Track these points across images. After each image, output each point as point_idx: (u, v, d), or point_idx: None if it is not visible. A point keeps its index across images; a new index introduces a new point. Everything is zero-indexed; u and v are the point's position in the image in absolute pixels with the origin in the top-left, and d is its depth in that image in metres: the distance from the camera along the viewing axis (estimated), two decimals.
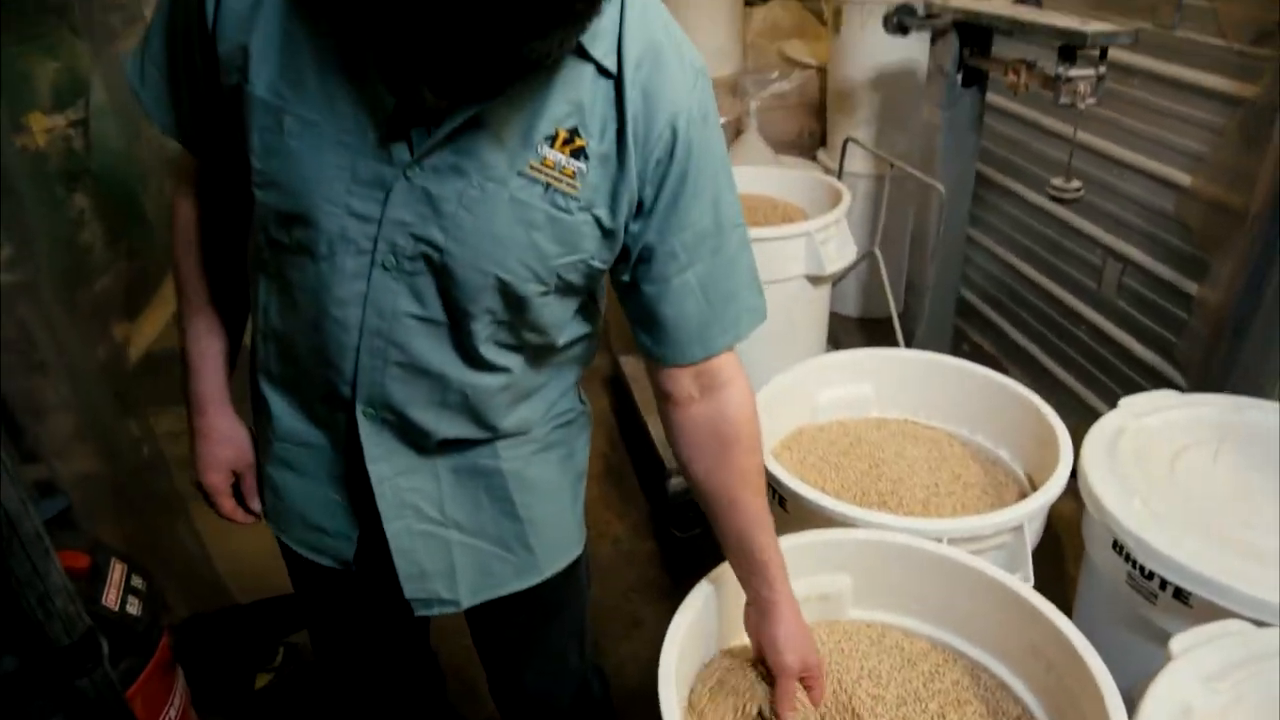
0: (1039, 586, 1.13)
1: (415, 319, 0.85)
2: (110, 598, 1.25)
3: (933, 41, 2.07)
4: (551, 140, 0.79)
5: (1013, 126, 2.51)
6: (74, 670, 1.05)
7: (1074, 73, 1.67)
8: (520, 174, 0.79)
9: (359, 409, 0.91)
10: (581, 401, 1.09)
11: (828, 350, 2.31)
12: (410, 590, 1.00)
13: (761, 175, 2.41)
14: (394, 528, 0.96)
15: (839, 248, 2.05)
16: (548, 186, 0.80)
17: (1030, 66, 1.79)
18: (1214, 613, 1.09)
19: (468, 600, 1.03)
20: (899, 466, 1.52)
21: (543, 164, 0.79)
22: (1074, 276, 2.39)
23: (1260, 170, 1.72)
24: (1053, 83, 1.69)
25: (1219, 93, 1.84)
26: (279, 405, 0.98)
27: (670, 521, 2.15)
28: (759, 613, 1.01)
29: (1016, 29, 1.81)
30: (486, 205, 0.79)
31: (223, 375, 1.04)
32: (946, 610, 1.17)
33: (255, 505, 1.08)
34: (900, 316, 2.35)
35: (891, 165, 2.32)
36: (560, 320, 0.92)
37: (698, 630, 1.08)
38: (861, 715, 1.04)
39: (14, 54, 1.78)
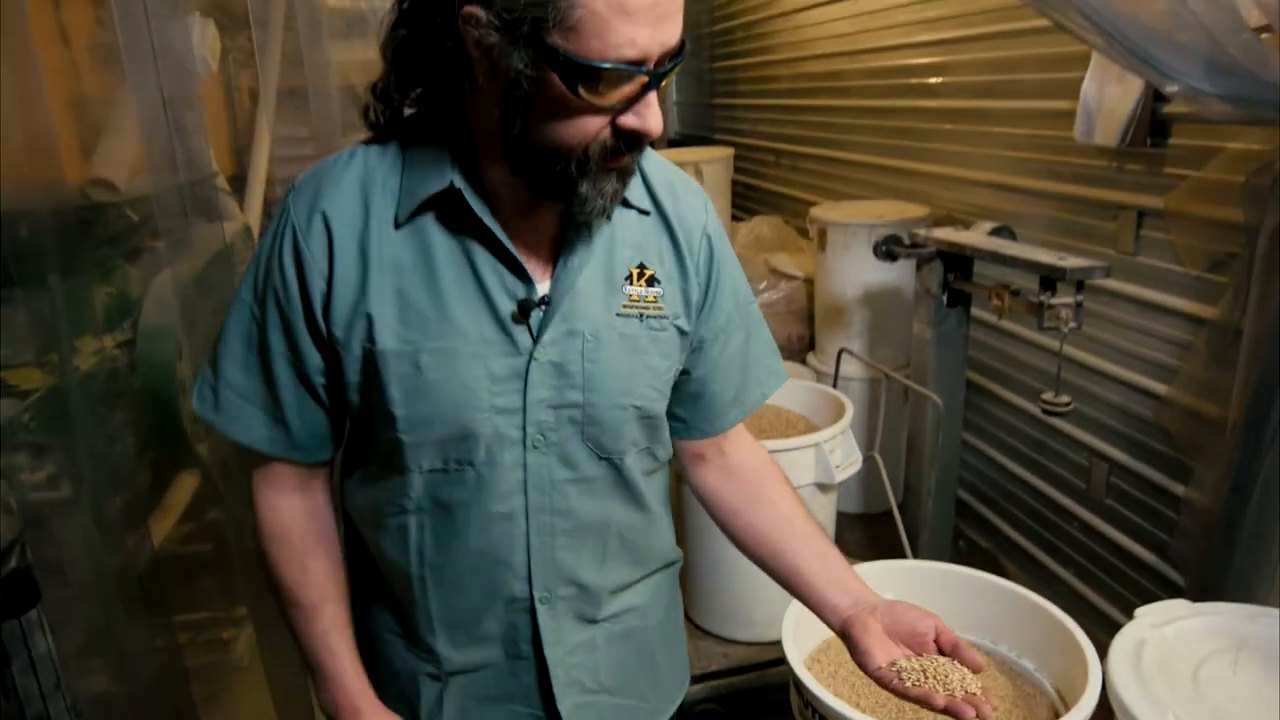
0: None
1: (571, 483, 0.95)
2: None
3: (918, 268, 2.27)
4: (629, 279, 0.95)
5: (998, 338, 2.70)
6: None
7: (1055, 301, 1.85)
8: (618, 315, 0.94)
9: (536, 596, 0.96)
10: None
11: None
12: None
13: None
14: (565, 706, 1.02)
15: (845, 456, 2.15)
16: (641, 316, 0.95)
17: (1014, 294, 1.97)
18: None
19: None
20: None
21: (630, 300, 0.95)
22: (1064, 477, 2.51)
23: (1233, 384, 1.88)
24: (1037, 309, 1.87)
25: (1184, 312, 2.02)
26: (445, 646, 1.00)
27: None
28: (861, 607, 0.98)
29: (997, 260, 2.00)
30: (605, 351, 0.93)
31: (362, 671, 1.01)
32: None
33: None
34: (900, 514, 2.43)
35: (887, 376, 2.47)
36: (667, 430, 1.06)
37: None
38: None
39: (75, 284, 1.90)
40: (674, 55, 0.78)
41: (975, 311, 2.41)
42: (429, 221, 0.88)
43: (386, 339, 0.88)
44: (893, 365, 2.73)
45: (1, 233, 1.53)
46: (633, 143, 0.82)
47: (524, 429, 0.91)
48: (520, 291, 0.90)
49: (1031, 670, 1.61)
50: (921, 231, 2.25)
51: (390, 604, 1.03)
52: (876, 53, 3.35)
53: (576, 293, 0.91)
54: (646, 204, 0.97)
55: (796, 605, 1.48)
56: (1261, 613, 1.51)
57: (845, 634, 0.98)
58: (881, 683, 0.92)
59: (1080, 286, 1.83)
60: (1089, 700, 1.35)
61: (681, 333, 1.00)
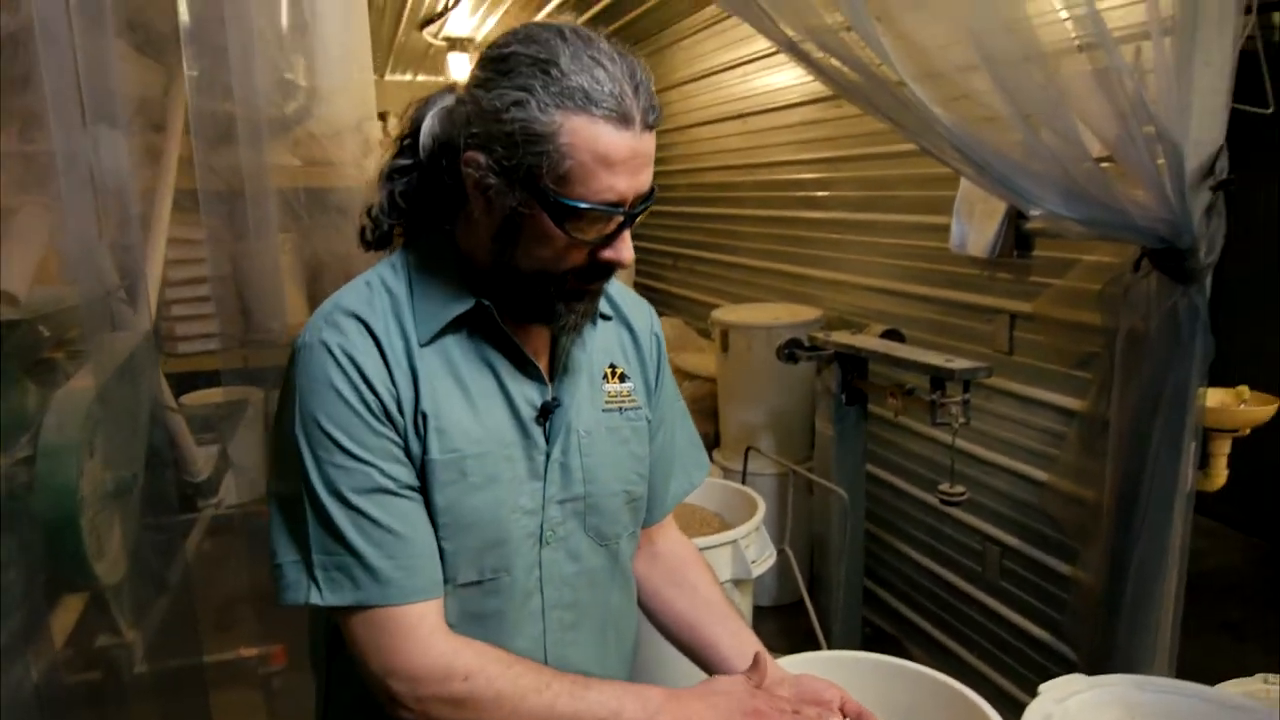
0: None
1: (578, 575, 1.00)
2: None
3: (818, 370, 2.43)
4: (606, 378, 1.06)
5: (895, 433, 2.87)
6: None
7: (945, 399, 2.01)
8: (603, 410, 1.04)
9: None
10: None
11: None
12: None
13: None
14: None
15: (760, 551, 2.23)
16: (621, 409, 1.06)
17: (908, 393, 2.13)
18: None
19: None
20: None
21: (610, 397, 1.05)
22: (960, 562, 2.66)
23: (1104, 470, 2.06)
24: (929, 407, 2.02)
25: (1058, 406, 2.23)
26: None
27: None
28: (769, 681, 1.02)
29: (891, 362, 2.17)
30: (597, 444, 1.02)
31: None
32: None
33: None
34: (812, 604, 2.52)
35: (793, 471, 2.59)
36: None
37: None
38: None
39: None
40: (645, 197, 0.89)
41: (873, 408, 2.58)
42: (448, 339, 0.95)
43: (434, 447, 0.92)
44: (796, 460, 2.86)
45: None
46: (607, 271, 0.93)
47: (541, 527, 0.97)
48: (536, 395, 0.98)
49: None
50: (820, 335, 2.41)
51: None
52: (767, 167, 3.60)
53: (572, 398, 1.01)
54: (609, 310, 1.09)
55: None
56: (1148, 682, 1.64)
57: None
58: None
59: (967, 386, 2.00)
60: None
61: (648, 421, 1.10)
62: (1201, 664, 2.09)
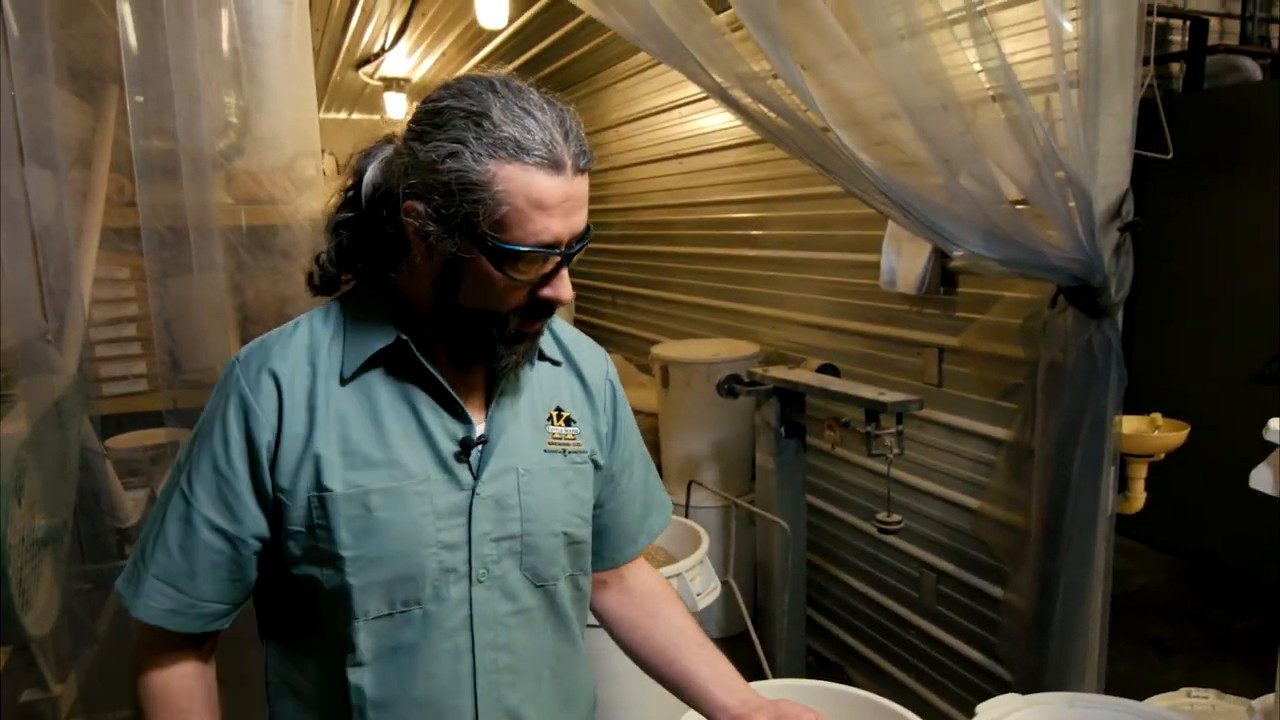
0: None
1: (513, 614, 1.01)
2: None
3: (757, 404, 2.49)
4: (550, 420, 1.07)
5: (833, 464, 2.94)
6: None
7: (879, 431, 2.08)
8: (545, 450, 1.05)
9: None
10: None
11: None
12: None
13: None
14: None
15: (705, 583, 2.27)
16: (564, 451, 1.06)
17: (844, 425, 2.21)
18: None
19: None
20: None
21: (554, 439, 1.06)
22: (898, 588, 2.73)
23: (1031, 497, 2.15)
24: (865, 438, 2.09)
25: (985, 435, 2.32)
26: None
27: None
28: (748, 707, 1.07)
29: (827, 396, 2.24)
30: (537, 483, 1.03)
31: None
32: None
33: None
34: (756, 633, 2.56)
35: (735, 504, 2.64)
36: (590, 559, 1.14)
37: None
38: None
39: None
40: (581, 237, 0.93)
41: (811, 440, 2.64)
42: (373, 376, 0.98)
43: (335, 483, 0.94)
44: (738, 493, 2.91)
45: None
46: (548, 309, 0.97)
47: (470, 563, 0.98)
48: (459, 432, 0.99)
49: None
50: (759, 370, 2.48)
51: None
52: (705, 206, 3.69)
53: (509, 432, 1.02)
54: (559, 356, 1.12)
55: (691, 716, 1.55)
56: (1079, 698, 1.72)
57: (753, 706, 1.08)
58: None
59: (900, 418, 2.07)
60: None
61: (596, 466, 1.11)
62: (1129, 679, 2.19)
